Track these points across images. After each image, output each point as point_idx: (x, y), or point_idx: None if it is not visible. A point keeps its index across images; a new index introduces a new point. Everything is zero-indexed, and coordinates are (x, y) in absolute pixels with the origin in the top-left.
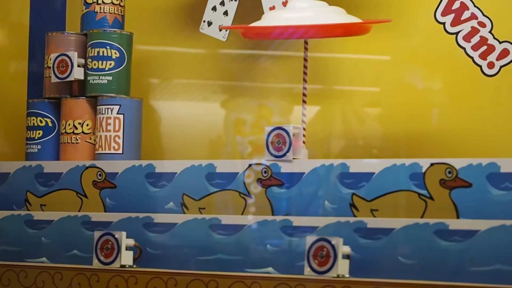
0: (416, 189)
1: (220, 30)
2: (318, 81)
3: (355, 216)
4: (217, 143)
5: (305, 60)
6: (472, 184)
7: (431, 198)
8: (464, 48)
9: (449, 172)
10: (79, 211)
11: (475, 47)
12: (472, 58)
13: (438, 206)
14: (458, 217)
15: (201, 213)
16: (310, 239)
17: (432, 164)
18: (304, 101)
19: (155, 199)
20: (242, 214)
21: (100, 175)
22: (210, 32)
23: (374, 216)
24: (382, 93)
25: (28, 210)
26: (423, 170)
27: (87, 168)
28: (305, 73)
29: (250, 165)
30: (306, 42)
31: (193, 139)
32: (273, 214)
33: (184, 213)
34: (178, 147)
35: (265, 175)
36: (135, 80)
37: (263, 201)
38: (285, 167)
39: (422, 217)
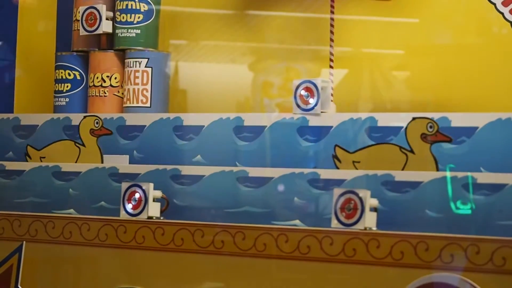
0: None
1: None
2: (346, 43)
3: (338, 168)
4: (244, 105)
5: (332, 19)
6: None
7: (411, 151)
8: (494, 3)
9: (430, 127)
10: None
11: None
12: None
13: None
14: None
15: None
16: (337, 191)
17: (414, 118)
18: (331, 60)
19: (183, 152)
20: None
21: (97, 123)
22: None
23: (356, 168)
24: (411, 56)
25: None
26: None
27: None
28: (332, 32)
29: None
30: (332, 0)
31: (220, 101)
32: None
33: None
34: (205, 109)
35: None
36: (162, 42)
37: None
38: (313, 121)
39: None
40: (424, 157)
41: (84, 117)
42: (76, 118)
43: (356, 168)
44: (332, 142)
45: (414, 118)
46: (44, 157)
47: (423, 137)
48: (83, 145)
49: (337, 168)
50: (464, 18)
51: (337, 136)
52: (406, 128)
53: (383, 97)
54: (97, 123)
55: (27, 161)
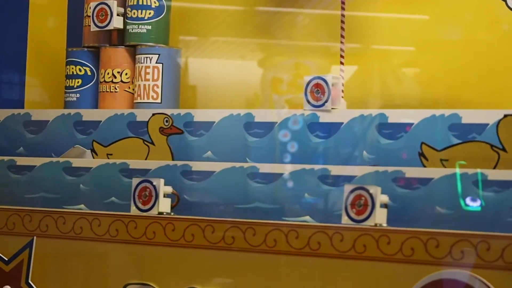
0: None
1: None
2: (356, 40)
3: (424, 166)
4: (253, 101)
5: (343, 16)
6: None
7: (503, 150)
8: (505, 0)
9: None
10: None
11: None
12: None
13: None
14: None
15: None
16: (348, 187)
17: (505, 116)
18: (342, 56)
19: (193, 147)
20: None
21: (167, 121)
22: None
23: (445, 167)
24: (420, 52)
25: None
26: (497, 121)
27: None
28: (342, 28)
29: None
30: None
31: (229, 97)
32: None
33: None
34: (214, 104)
35: None
36: (171, 37)
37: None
38: (324, 117)
39: (494, 168)
40: None
41: (153, 114)
42: (142, 114)
43: (445, 167)
44: (343, 139)
45: (506, 115)
46: (111, 154)
47: None
48: (152, 143)
49: (424, 166)
50: (475, 14)
51: (347, 133)
52: (497, 125)
53: (392, 93)
54: (166, 121)
55: (93, 157)
